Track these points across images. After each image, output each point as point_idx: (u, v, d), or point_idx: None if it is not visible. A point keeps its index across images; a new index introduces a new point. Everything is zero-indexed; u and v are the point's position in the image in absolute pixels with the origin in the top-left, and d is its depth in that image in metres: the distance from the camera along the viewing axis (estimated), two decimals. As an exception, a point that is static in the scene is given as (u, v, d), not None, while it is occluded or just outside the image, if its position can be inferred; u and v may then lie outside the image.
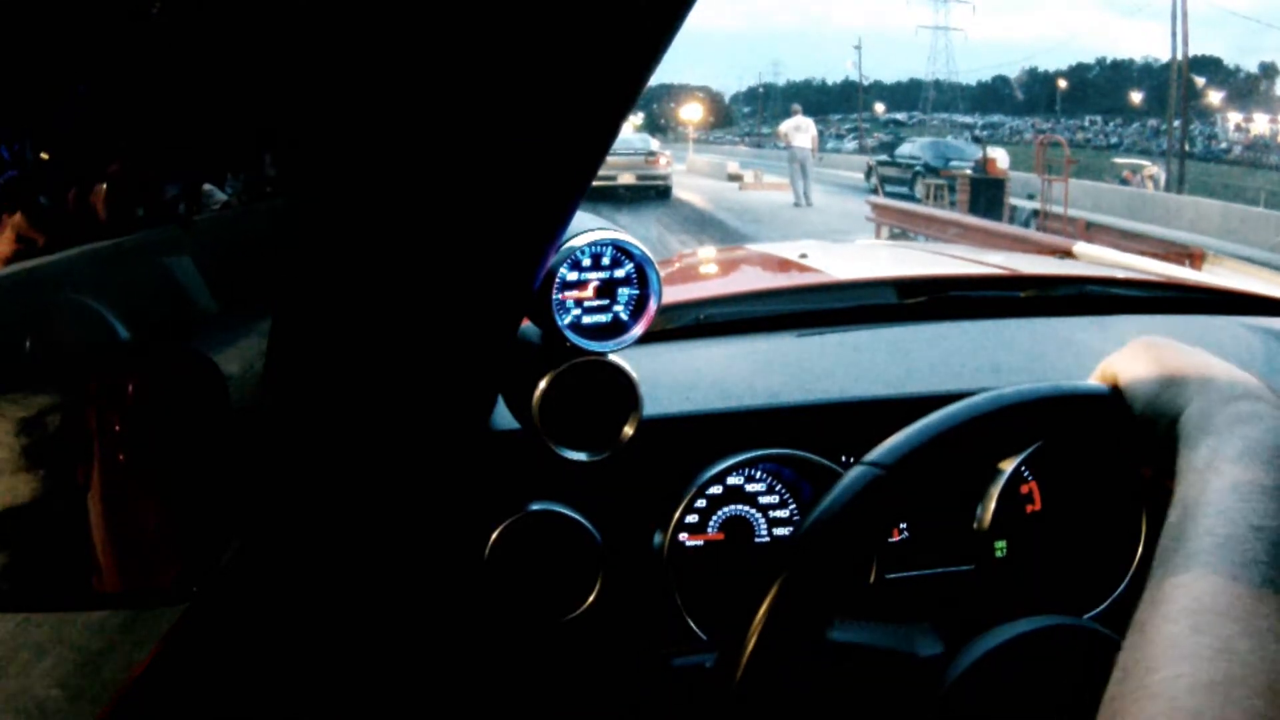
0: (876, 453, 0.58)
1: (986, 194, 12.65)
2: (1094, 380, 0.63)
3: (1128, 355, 0.62)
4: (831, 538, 0.55)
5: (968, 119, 68.73)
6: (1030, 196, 12.75)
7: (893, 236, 9.55)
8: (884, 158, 19.75)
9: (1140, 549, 0.87)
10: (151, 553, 0.62)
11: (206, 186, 0.55)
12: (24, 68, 0.46)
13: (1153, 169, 20.56)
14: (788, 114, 15.81)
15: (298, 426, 0.62)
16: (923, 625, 0.64)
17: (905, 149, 19.88)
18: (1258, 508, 0.44)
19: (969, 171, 14.18)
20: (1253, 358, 1.13)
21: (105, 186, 0.47)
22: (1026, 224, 10.99)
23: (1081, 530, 0.90)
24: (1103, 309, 1.30)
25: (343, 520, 0.67)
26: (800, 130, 14.67)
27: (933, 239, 8.43)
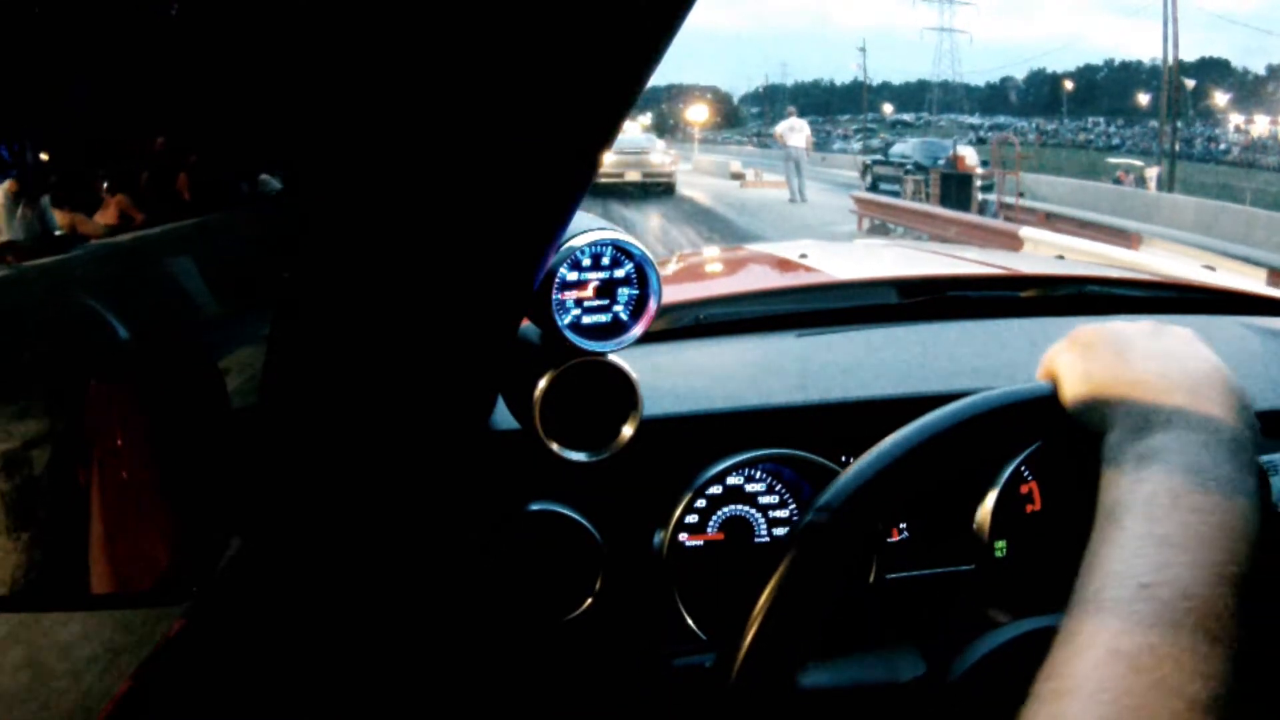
0: (825, 496, 0.55)
1: (956, 187, 13.71)
2: (1039, 376, 0.60)
3: (1063, 353, 0.59)
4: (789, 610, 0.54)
5: (974, 120, 68.76)
6: (1021, 194, 13.80)
7: (873, 227, 10.75)
8: (878, 157, 20.71)
9: None
10: (151, 553, 0.63)
11: (262, 175, 0.56)
12: (28, 67, 0.46)
13: (1153, 169, 20.94)
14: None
15: (298, 426, 0.62)
16: (905, 646, 0.63)
17: (898, 148, 20.99)
18: (1148, 563, 0.43)
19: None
20: (1252, 358, 1.13)
21: (185, 176, 0.51)
22: (996, 215, 11.89)
23: (1081, 530, 0.89)
24: (1103, 309, 1.30)
25: (343, 520, 0.67)
26: (795, 130, 15.63)
27: (909, 228, 9.80)
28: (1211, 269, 7.20)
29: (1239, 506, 0.45)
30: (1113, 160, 26.03)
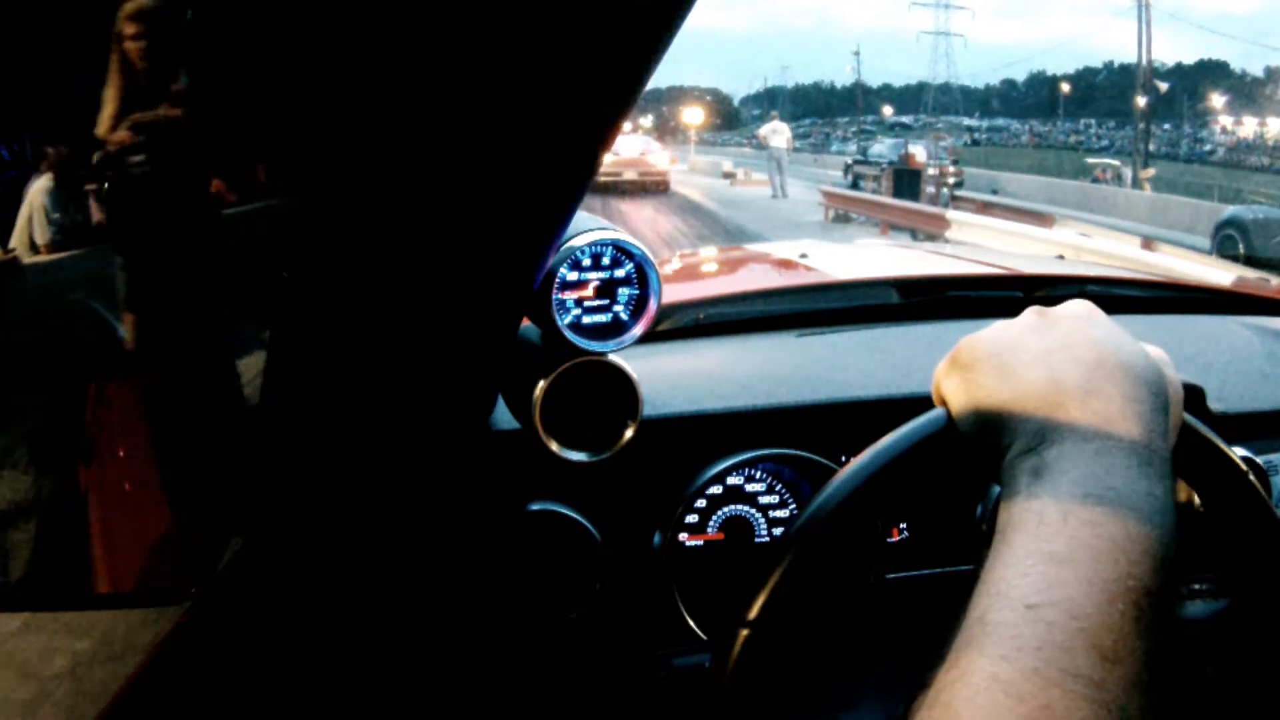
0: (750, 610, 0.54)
1: (907, 181, 15.89)
2: (935, 399, 0.57)
3: (946, 377, 0.55)
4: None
5: (971, 122, 68.93)
6: (994, 191, 16.49)
7: (837, 216, 12.92)
8: (859, 157, 23.45)
9: None
10: (151, 553, 0.63)
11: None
12: (33, 66, 0.47)
13: (1149, 171, 22.22)
14: (795, 116, 18.24)
15: (298, 426, 0.62)
16: (883, 682, 0.62)
17: (875, 149, 24.17)
18: (1035, 581, 0.40)
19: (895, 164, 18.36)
20: (1252, 358, 1.13)
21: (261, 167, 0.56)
22: (946, 205, 13.58)
23: None
24: (1103, 309, 1.30)
25: (343, 520, 0.67)
26: (777, 133, 17.84)
27: (866, 216, 12.12)
28: (1087, 236, 8.72)
29: (1139, 515, 0.42)
30: (1091, 160, 27.76)
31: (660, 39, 0.44)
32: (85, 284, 0.58)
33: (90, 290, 0.58)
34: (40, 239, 0.52)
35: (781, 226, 12.68)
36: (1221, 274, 6.34)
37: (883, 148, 23.73)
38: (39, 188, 0.51)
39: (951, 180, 15.87)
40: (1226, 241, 10.65)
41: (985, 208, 12.73)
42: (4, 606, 0.64)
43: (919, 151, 19.07)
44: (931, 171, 16.16)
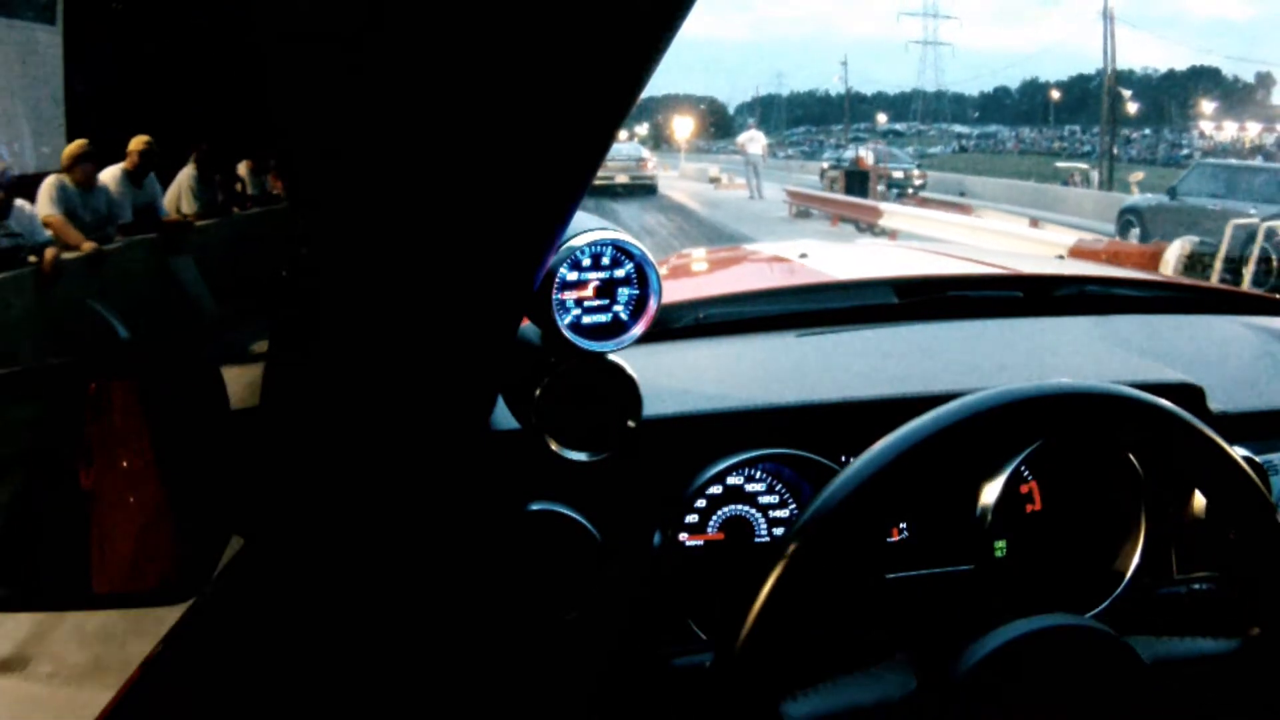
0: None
1: (857, 180, 18.13)
2: None
3: None
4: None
5: (963, 129, 69.09)
6: (962, 194, 18.60)
7: (799, 213, 14.91)
8: (834, 162, 25.23)
9: (1140, 548, 0.87)
10: (151, 553, 0.63)
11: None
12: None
13: (1139, 174, 23.25)
14: (790, 124, 19.77)
15: (298, 426, 0.62)
16: (895, 661, 0.63)
17: (848, 154, 26.10)
18: None
19: (850, 167, 20.87)
20: (1253, 358, 1.13)
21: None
22: (898, 200, 15.59)
23: (1081, 530, 0.90)
24: (1103, 309, 1.30)
25: (343, 520, 0.67)
26: (754, 140, 20.04)
27: (820, 210, 14.24)
28: (980, 217, 10.67)
29: None
30: (1061, 165, 29.43)
31: (659, 40, 0.44)
32: (86, 284, 0.58)
33: (90, 290, 0.59)
34: (186, 210, 0.61)
35: (751, 221, 14.16)
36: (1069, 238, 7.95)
37: (856, 153, 26.31)
38: (186, 173, 0.61)
39: (918, 182, 18.92)
40: (1126, 226, 12.08)
41: (923, 201, 15.23)
42: (5, 606, 0.64)
43: (868, 155, 21.72)
44: (898, 175, 18.97)
